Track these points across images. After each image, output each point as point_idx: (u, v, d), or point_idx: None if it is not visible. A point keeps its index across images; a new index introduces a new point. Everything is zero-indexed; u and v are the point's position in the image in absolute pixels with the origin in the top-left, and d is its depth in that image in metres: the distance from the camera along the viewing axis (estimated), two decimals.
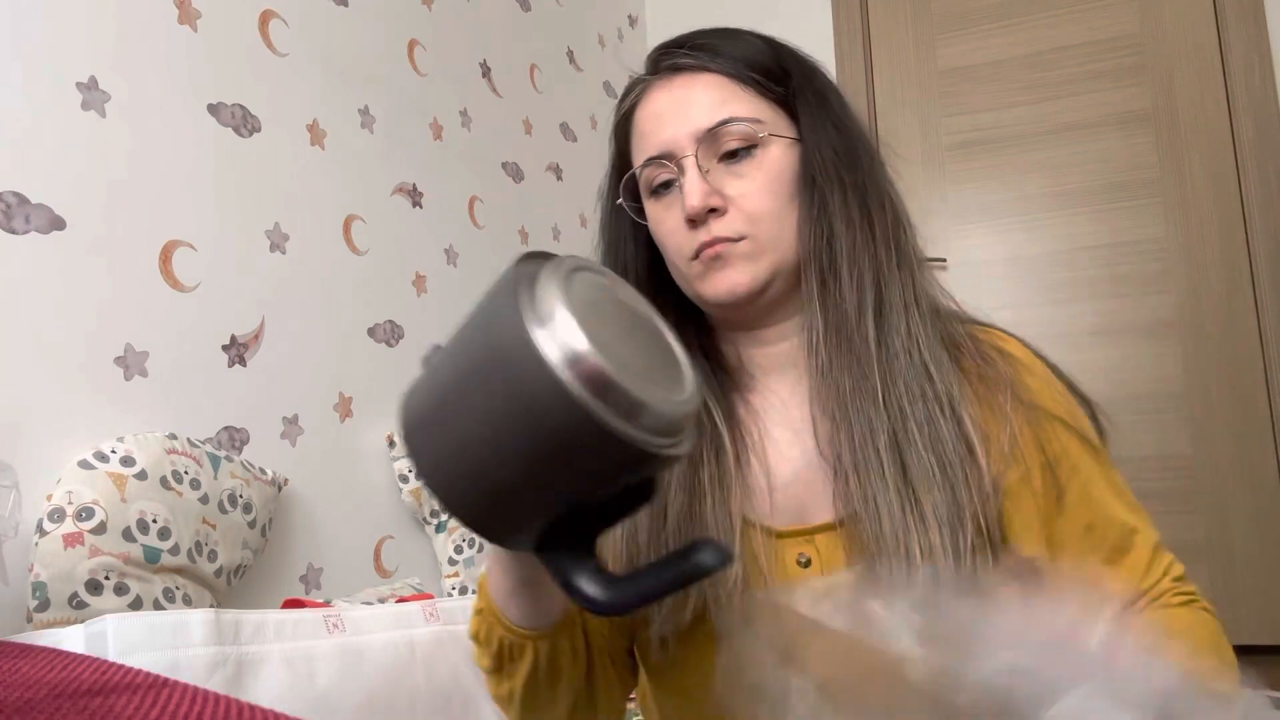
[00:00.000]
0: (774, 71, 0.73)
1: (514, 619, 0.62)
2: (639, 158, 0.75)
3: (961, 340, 0.72)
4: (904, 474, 0.65)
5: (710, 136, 0.70)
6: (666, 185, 0.73)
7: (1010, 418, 0.68)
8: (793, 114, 0.73)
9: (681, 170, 0.71)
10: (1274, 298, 2.18)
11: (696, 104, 0.71)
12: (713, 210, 0.70)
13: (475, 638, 0.67)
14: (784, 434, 0.74)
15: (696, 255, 0.71)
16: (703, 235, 0.70)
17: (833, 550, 0.69)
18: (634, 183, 0.77)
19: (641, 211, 0.77)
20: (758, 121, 0.71)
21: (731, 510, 0.70)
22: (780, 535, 0.71)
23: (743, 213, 0.70)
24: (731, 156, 0.71)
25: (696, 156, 0.70)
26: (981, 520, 0.65)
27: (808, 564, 0.70)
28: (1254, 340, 2.21)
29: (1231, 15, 2.27)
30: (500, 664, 0.64)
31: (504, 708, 0.69)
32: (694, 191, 0.69)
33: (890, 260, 0.71)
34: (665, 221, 0.73)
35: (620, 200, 0.77)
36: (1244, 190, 2.24)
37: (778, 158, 0.71)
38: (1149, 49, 2.35)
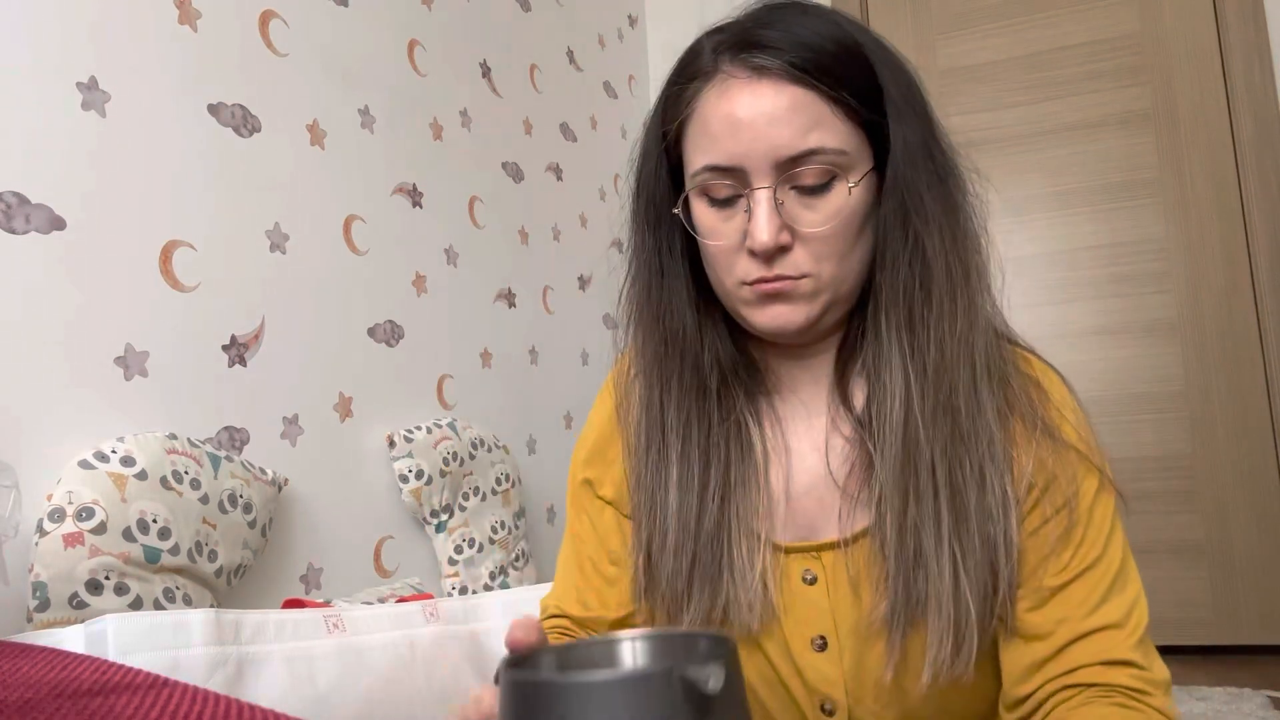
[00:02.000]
0: (869, 90, 0.66)
1: None
2: (701, 158, 0.67)
3: (1009, 376, 0.69)
4: (954, 518, 0.64)
5: (791, 164, 0.64)
6: (728, 199, 0.67)
7: (1043, 459, 0.67)
8: (875, 134, 0.68)
9: (753, 198, 0.65)
10: (1274, 298, 2.18)
11: (783, 124, 0.64)
12: (781, 248, 0.65)
13: None
14: (802, 446, 0.73)
15: (753, 283, 0.67)
16: (763, 269, 0.66)
17: (839, 569, 0.69)
18: (677, 165, 0.72)
19: (676, 195, 0.72)
20: (843, 154, 0.65)
21: (755, 521, 0.69)
22: (787, 551, 0.70)
23: (810, 251, 0.65)
24: (806, 188, 0.65)
25: (773, 189, 0.65)
26: (1005, 568, 0.64)
27: (814, 581, 0.70)
28: (1254, 340, 2.21)
29: (1231, 15, 2.27)
30: None
31: None
32: (765, 228, 0.64)
33: (981, 301, 0.68)
34: (720, 235, 0.68)
35: (675, 209, 0.71)
36: (1244, 190, 2.24)
37: (855, 195, 0.66)
38: (1149, 49, 2.35)
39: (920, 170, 0.67)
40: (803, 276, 0.66)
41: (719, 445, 0.71)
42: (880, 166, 0.68)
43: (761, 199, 0.65)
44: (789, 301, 0.67)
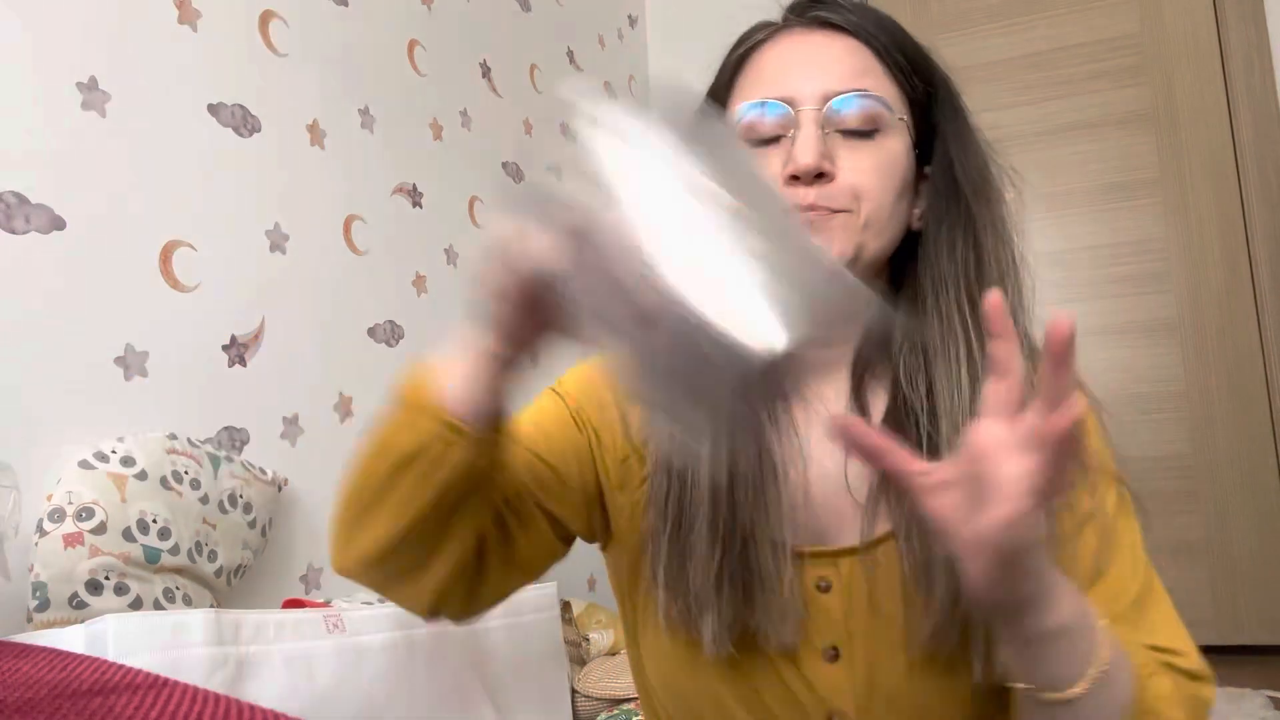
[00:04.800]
0: (920, 68, 0.69)
1: (457, 403, 0.52)
2: (749, 97, 0.68)
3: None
4: None
5: (839, 102, 0.65)
6: (770, 139, 0.67)
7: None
8: (922, 119, 0.69)
9: (797, 124, 0.65)
10: (1274, 298, 2.18)
11: (835, 63, 0.66)
12: (820, 175, 0.65)
13: (379, 440, 0.56)
14: (820, 453, 0.70)
15: None
16: (801, 197, 0.65)
17: (855, 576, 0.67)
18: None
19: None
20: (889, 108, 0.66)
21: (778, 530, 0.66)
22: (801, 556, 0.68)
23: (849, 187, 0.65)
24: (850, 133, 0.66)
25: (820, 113, 0.65)
26: None
27: (827, 589, 0.67)
28: (1254, 340, 2.21)
29: (1231, 15, 2.27)
30: (399, 470, 0.54)
31: (362, 548, 0.57)
32: (809, 148, 0.64)
33: (1022, 292, 0.69)
34: None
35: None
36: (1244, 190, 2.24)
37: (897, 150, 0.67)
38: (1149, 49, 2.35)
39: (971, 155, 0.69)
40: (841, 211, 0.65)
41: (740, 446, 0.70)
42: (920, 146, 0.70)
43: (806, 120, 0.65)
44: (826, 233, 0.66)
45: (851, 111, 0.65)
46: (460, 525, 0.58)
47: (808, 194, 0.65)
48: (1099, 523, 0.66)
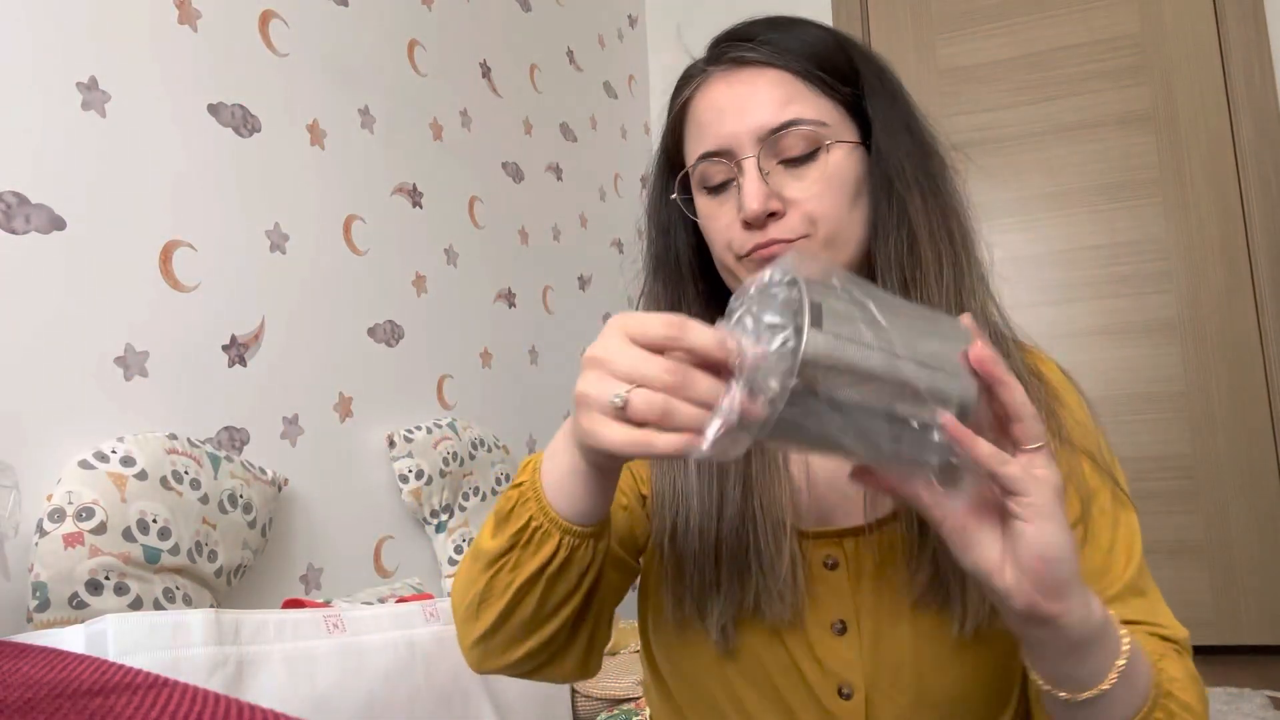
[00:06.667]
0: (842, 70, 0.71)
1: (558, 503, 0.59)
2: (695, 150, 0.72)
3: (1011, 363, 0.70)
4: None
5: (773, 138, 0.68)
6: (723, 184, 0.71)
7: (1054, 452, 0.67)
8: (858, 115, 0.71)
9: (740, 170, 0.69)
10: (1274, 298, 2.18)
11: (760, 102, 0.69)
12: (771, 214, 0.68)
13: (499, 512, 0.63)
14: None
15: (749, 254, 0.69)
16: (758, 237, 0.68)
17: (862, 553, 0.69)
18: (684, 172, 0.76)
19: (690, 202, 0.75)
20: (823, 125, 0.69)
21: (780, 511, 0.69)
22: (806, 536, 0.70)
23: (802, 214, 0.68)
24: (792, 160, 0.69)
25: (758, 158, 0.68)
26: None
27: (835, 566, 0.70)
28: (1254, 340, 2.21)
29: (1231, 15, 2.27)
30: (514, 544, 0.61)
31: (487, 602, 0.63)
32: (754, 195, 0.67)
33: (969, 268, 0.70)
34: (718, 218, 0.71)
35: (674, 195, 0.75)
36: (1244, 190, 2.24)
37: (840, 162, 0.69)
38: (1149, 49, 2.35)
39: (899, 140, 0.70)
40: (799, 238, 0.68)
41: None
42: (868, 143, 0.72)
43: (748, 169, 0.68)
44: None
45: (787, 143, 0.68)
46: (594, 601, 0.67)
47: (765, 235, 0.68)
48: (1078, 487, 0.68)
